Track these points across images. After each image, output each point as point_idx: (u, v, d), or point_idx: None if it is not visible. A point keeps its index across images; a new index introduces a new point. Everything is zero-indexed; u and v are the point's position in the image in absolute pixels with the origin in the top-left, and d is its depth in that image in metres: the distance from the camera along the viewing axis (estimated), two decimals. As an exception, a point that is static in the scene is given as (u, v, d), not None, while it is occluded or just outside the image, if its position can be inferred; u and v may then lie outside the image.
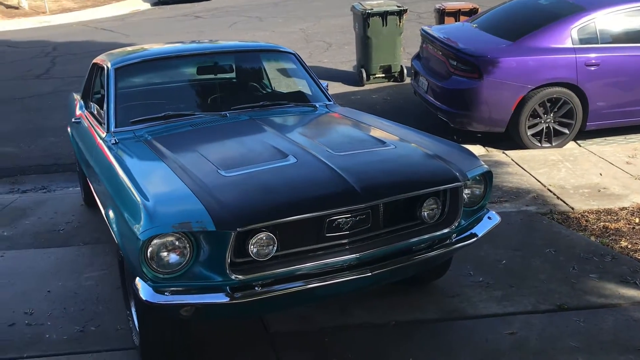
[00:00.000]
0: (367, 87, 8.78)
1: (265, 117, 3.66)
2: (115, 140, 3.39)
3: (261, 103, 3.88)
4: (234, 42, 4.89)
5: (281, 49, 4.35)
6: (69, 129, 4.95)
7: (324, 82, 4.46)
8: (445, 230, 2.82)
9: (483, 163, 3.07)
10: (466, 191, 2.91)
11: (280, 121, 3.66)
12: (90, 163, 3.65)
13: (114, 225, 2.78)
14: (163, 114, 3.62)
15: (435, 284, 3.62)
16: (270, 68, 4.49)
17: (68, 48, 13.12)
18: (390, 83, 8.91)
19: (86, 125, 4.15)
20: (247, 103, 3.88)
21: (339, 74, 9.52)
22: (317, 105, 3.98)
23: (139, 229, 2.38)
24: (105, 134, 3.56)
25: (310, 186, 2.63)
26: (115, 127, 3.56)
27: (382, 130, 3.43)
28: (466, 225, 2.97)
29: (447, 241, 2.88)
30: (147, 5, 21.33)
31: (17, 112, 8.42)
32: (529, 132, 5.95)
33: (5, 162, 6.60)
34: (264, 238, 2.44)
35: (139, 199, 2.57)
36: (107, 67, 3.93)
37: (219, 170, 2.75)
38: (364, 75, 8.73)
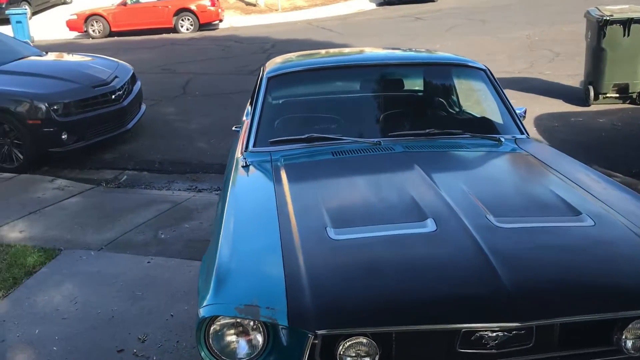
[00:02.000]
0: (593, 107, 7.32)
1: (425, 150, 2.85)
2: (245, 162, 2.89)
3: (427, 131, 3.06)
4: (409, 52, 4.08)
5: (469, 63, 3.45)
6: None
7: (520, 108, 3.48)
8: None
9: None
10: None
11: (442, 159, 2.81)
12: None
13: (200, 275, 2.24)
14: (306, 136, 3.03)
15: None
16: (452, 87, 3.62)
17: (285, 46, 13.47)
18: (625, 105, 7.31)
19: (240, 135, 3.76)
20: (408, 130, 3.11)
21: (562, 89, 8.13)
22: (503, 140, 3.02)
23: (203, 299, 1.81)
24: (241, 152, 3.09)
25: (440, 280, 1.79)
26: (254, 146, 3.08)
27: (585, 190, 2.39)
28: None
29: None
30: (373, 5, 21.36)
31: (220, 106, 8.66)
32: None
33: (193, 157, 6.70)
34: (363, 344, 1.69)
35: (218, 254, 2.00)
36: (262, 74, 3.48)
37: (327, 229, 2.05)
38: (592, 93, 7.29)
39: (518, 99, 7.18)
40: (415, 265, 1.85)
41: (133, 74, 7.60)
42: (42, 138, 6.29)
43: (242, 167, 2.87)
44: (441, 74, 3.59)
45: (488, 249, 1.82)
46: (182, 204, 5.33)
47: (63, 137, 6.35)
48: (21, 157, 6.38)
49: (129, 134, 7.26)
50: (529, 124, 5.98)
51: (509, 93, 3.58)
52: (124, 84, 7.10)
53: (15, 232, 4.76)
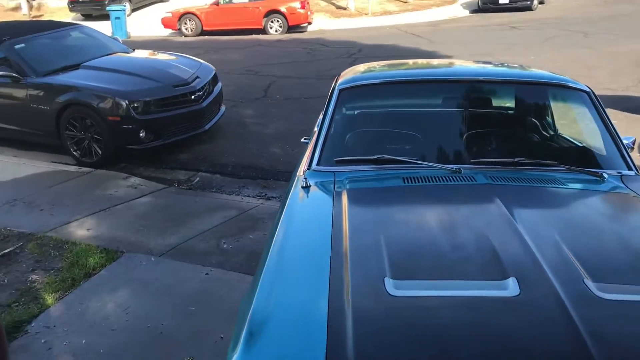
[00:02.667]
0: None
1: (512, 184, 2.46)
2: (306, 182, 2.62)
3: (516, 160, 2.66)
4: (500, 67, 3.64)
5: (569, 84, 2.99)
6: None
7: (628, 138, 3.00)
8: None
9: None
10: None
11: (532, 196, 2.38)
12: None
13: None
14: (376, 157, 2.71)
15: None
16: (548, 110, 3.17)
17: (371, 51, 13.17)
18: None
19: (307, 149, 3.50)
20: (493, 157, 2.73)
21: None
22: (606, 176, 2.58)
23: (232, 350, 1.55)
24: (303, 170, 2.83)
25: None
26: (318, 164, 2.80)
27: None
28: None
29: None
30: (466, 12, 20.67)
31: (298, 111, 8.49)
32: None
33: (266, 162, 6.54)
34: None
35: (255, 297, 1.73)
36: (335, 85, 3.20)
37: (385, 280, 1.71)
38: None
39: (621, 121, 6.51)
40: (490, 338, 1.49)
41: (215, 74, 7.57)
42: (121, 134, 6.34)
43: (302, 187, 2.60)
44: (536, 94, 3.15)
45: (584, 328, 1.44)
46: (249, 211, 5.15)
47: (141, 134, 6.37)
48: (100, 152, 6.46)
49: (206, 134, 7.22)
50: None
51: (610, 112, 3.10)
52: (205, 85, 7.06)
53: (82, 230, 4.75)
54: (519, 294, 1.61)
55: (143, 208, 5.27)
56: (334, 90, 3.12)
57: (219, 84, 7.68)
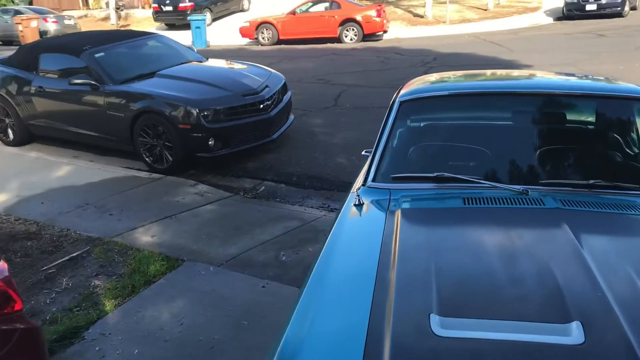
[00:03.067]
0: None
1: (587, 209, 2.22)
2: (359, 200, 2.49)
3: (591, 182, 2.41)
4: (579, 79, 3.34)
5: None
6: None
7: None
8: None
9: None
10: None
11: (607, 225, 2.12)
12: None
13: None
14: (435, 175, 2.55)
15: None
16: (633, 128, 2.86)
17: (447, 59, 12.85)
18: None
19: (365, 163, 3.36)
20: (568, 179, 2.49)
21: None
22: None
23: None
24: (358, 187, 2.70)
25: None
26: (373, 180, 2.67)
27: None
28: None
29: None
30: (550, 20, 19.85)
31: (368, 121, 8.35)
32: None
33: (331, 173, 6.46)
34: None
35: (289, 325, 1.63)
36: (396, 97, 3.06)
37: (431, 317, 1.55)
38: None
39: None
40: None
41: (284, 83, 7.57)
42: (191, 142, 6.44)
43: (355, 205, 2.48)
44: (619, 110, 2.85)
45: None
46: (310, 223, 5.07)
47: (210, 143, 6.45)
48: (170, 159, 6.60)
49: (274, 143, 7.23)
50: None
51: None
52: (274, 94, 7.07)
53: (147, 236, 4.83)
54: (584, 342, 1.41)
55: (208, 216, 5.31)
56: (394, 102, 2.98)
57: (289, 93, 7.68)
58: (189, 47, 8.53)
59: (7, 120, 8.10)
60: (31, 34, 21.36)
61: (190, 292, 3.85)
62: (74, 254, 4.49)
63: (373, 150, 2.85)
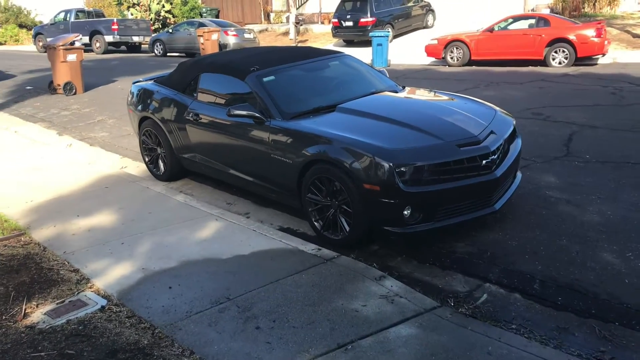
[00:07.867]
0: None
1: None
2: None
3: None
4: None
5: None
6: None
7: None
8: None
9: None
10: None
11: None
12: None
13: None
14: None
15: None
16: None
17: None
18: None
19: None
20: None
21: None
22: None
23: None
24: None
25: None
26: None
27: None
28: None
29: None
30: None
31: (628, 186, 5.74)
32: None
33: (597, 282, 4.04)
34: None
35: None
36: None
37: None
38: None
39: None
40: None
41: (514, 129, 5.31)
42: (378, 210, 4.45)
43: None
44: None
45: None
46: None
47: (405, 212, 4.40)
48: (347, 229, 4.67)
49: (495, 215, 4.98)
50: None
51: None
52: (501, 145, 4.85)
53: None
54: None
55: (403, 351, 3.24)
56: None
57: (518, 141, 5.40)
58: (379, 71, 6.59)
59: (158, 150, 6.81)
60: (211, 46, 21.23)
61: None
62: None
63: None
